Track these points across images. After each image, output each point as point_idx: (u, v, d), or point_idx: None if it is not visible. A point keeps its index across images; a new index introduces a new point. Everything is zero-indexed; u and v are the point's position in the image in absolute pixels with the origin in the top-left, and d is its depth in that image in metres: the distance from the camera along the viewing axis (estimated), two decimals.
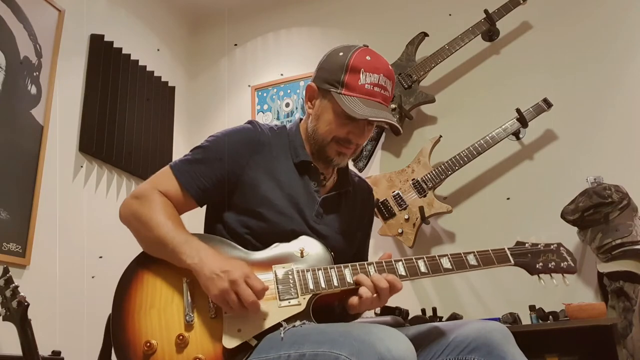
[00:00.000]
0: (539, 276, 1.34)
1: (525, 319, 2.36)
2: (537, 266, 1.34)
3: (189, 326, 1.18)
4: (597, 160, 2.64)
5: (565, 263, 1.35)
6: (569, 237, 2.52)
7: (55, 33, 2.61)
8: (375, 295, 1.22)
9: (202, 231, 1.38)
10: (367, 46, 1.41)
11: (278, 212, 1.33)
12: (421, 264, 1.29)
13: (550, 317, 2.28)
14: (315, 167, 1.41)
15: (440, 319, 2.48)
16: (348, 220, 1.45)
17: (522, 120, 2.64)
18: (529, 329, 2.26)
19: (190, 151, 1.38)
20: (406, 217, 2.65)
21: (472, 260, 1.30)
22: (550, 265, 1.34)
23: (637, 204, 2.37)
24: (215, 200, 1.37)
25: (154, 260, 1.26)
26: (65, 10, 2.67)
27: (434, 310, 2.49)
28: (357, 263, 1.28)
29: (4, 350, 2.03)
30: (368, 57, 1.35)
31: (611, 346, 2.11)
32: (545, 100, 2.67)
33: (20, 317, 1.65)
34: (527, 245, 1.37)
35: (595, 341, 2.24)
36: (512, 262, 1.33)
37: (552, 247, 1.37)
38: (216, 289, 1.15)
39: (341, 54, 1.37)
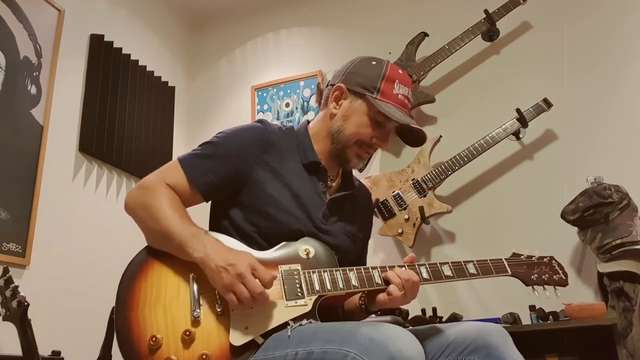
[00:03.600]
0: (533, 287, 1.42)
1: (525, 319, 2.36)
2: (532, 277, 1.42)
3: (195, 322, 1.17)
4: (597, 160, 2.64)
5: (557, 276, 1.44)
6: (569, 237, 2.53)
7: (55, 33, 2.61)
8: (403, 292, 1.27)
9: (206, 226, 1.38)
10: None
11: (285, 211, 1.33)
12: (423, 270, 1.33)
13: (550, 317, 2.28)
14: (324, 168, 1.43)
15: (440, 319, 2.48)
16: (352, 222, 1.47)
17: (522, 120, 2.64)
18: (529, 329, 2.26)
19: (200, 146, 1.38)
20: (406, 217, 2.65)
21: (471, 268, 1.38)
22: (544, 277, 1.42)
23: (637, 204, 2.37)
24: (221, 196, 1.37)
25: (160, 252, 1.26)
26: (65, 10, 2.67)
27: (434, 310, 2.48)
28: (361, 267, 1.30)
29: (4, 350, 2.03)
30: (400, 71, 1.43)
31: (611, 346, 2.11)
32: (545, 100, 2.66)
33: (20, 317, 1.65)
34: (522, 257, 1.45)
35: (595, 341, 2.24)
36: (509, 272, 1.41)
37: (545, 259, 1.46)
38: (223, 283, 1.15)
39: (374, 62, 1.43)
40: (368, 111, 1.39)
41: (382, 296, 1.28)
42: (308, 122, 1.51)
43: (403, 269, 1.31)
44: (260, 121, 1.43)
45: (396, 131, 1.45)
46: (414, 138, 1.46)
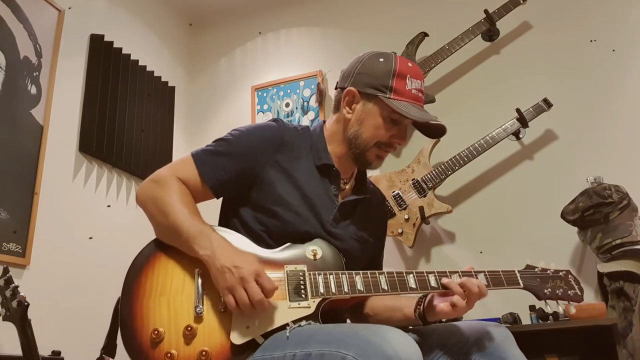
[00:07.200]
0: (545, 301, 1.36)
1: (525, 319, 2.36)
2: (545, 292, 1.35)
3: (198, 318, 1.18)
4: (597, 160, 2.64)
5: (573, 291, 1.36)
6: (569, 237, 2.53)
7: (55, 33, 2.61)
8: (465, 300, 1.26)
9: (216, 222, 1.38)
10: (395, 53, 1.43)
11: (294, 212, 1.33)
12: (432, 278, 1.30)
13: (550, 317, 2.28)
14: (337, 171, 1.41)
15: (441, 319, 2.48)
16: (363, 226, 1.44)
17: (522, 120, 2.64)
18: (529, 329, 2.26)
19: (213, 142, 1.38)
20: (406, 217, 2.64)
21: (482, 279, 1.32)
22: (557, 292, 1.35)
23: (637, 204, 2.37)
24: (232, 194, 1.38)
25: (169, 245, 1.26)
26: (65, 10, 2.67)
27: None
28: (368, 271, 1.28)
29: (4, 350, 2.03)
30: (409, 64, 1.39)
31: (611, 346, 2.11)
32: (545, 100, 2.67)
33: (20, 317, 1.65)
34: (536, 269, 1.39)
35: (595, 341, 2.24)
36: (522, 285, 1.34)
37: (560, 273, 1.39)
38: (225, 284, 1.15)
39: (381, 59, 1.38)
40: (383, 112, 1.36)
41: (445, 306, 1.27)
42: (324, 122, 1.49)
43: (393, 278, 1.28)
44: (275, 120, 1.43)
45: (414, 124, 1.42)
46: (433, 130, 1.43)
